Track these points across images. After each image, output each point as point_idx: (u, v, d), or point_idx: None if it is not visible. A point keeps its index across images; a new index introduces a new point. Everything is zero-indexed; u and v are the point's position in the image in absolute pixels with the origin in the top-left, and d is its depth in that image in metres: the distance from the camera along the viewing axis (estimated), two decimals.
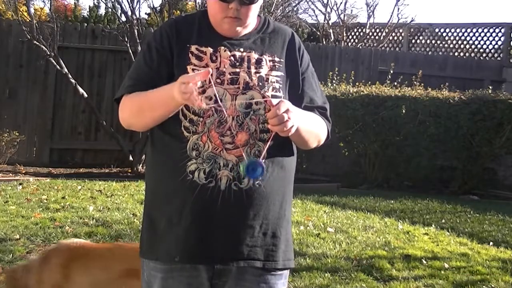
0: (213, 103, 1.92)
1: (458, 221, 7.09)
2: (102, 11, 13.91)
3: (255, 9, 2.01)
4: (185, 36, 2.01)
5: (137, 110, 2.00)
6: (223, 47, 2.00)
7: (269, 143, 1.93)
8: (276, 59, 2.04)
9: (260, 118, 1.96)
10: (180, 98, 1.83)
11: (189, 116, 1.95)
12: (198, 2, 10.56)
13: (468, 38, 14.72)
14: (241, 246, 1.95)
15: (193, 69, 1.96)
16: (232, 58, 1.99)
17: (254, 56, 2.01)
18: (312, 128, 2.04)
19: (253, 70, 1.99)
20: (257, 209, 1.95)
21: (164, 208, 1.98)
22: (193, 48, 2.00)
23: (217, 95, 1.90)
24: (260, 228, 1.97)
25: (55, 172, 9.22)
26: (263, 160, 1.89)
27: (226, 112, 1.92)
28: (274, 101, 1.85)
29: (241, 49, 2.01)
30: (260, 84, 1.98)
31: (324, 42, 14.96)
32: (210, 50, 1.99)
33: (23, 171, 9.06)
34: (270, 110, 1.85)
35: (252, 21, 2.04)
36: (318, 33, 15.70)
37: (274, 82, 2.00)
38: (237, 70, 1.98)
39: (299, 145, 2.07)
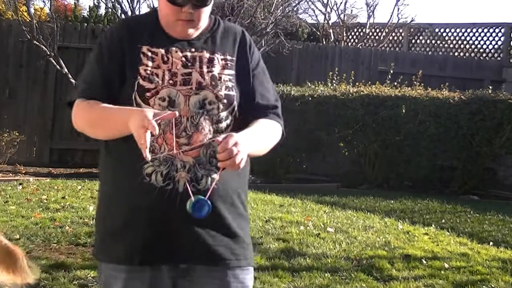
0: (166, 105, 1.92)
1: (458, 221, 7.09)
2: (102, 11, 13.90)
3: (207, 10, 2.00)
4: (136, 37, 2.00)
5: (91, 124, 2.00)
6: (174, 48, 1.99)
7: (218, 177, 1.89)
8: (228, 57, 2.03)
9: (214, 118, 1.96)
10: (134, 133, 1.81)
11: None
12: None
13: (468, 38, 14.72)
14: (203, 246, 1.94)
15: (145, 70, 1.95)
16: (183, 58, 1.98)
17: (206, 55, 2.01)
18: (264, 145, 2.03)
19: (205, 69, 1.98)
20: (217, 209, 1.94)
21: (120, 211, 1.96)
22: (145, 48, 1.98)
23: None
24: (220, 227, 1.96)
25: (55, 172, 9.23)
26: (208, 200, 1.85)
27: (179, 113, 1.90)
28: (220, 137, 1.82)
29: (193, 49, 2.00)
30: (213, 83, 1.97)
31: (324, 42, 14.96)
32: (161, 51, 1.98)
33: (23, 171, 9.06)
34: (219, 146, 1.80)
35: (204, 23, 2.03)
36: (318, 33, 15.69)
37: (226, 81, 2.00)
38: (190, 70, 1.97)
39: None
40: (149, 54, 1.98)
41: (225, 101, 1.97)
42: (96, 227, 2.09)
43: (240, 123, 2.00)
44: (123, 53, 1.98)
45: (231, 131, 1.94)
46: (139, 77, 1.95)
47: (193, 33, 2.02)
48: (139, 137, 1.77)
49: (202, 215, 1.84)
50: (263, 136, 2.02)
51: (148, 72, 1.95)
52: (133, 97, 1.94)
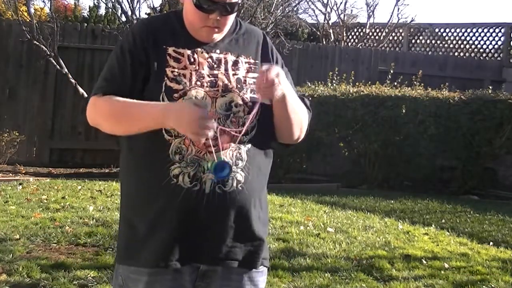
0: None
1: (458, 221, 7.09)
2: (102, 11, 13.91)
3: (232, 17, 2.01)
4: (161, 38, 1.99)
5: (110, 118, 1.96)
6: (200, 49, 1.99)
7: (253, 114, 1.92)
8: (252, 60, 2.04)
9: (240, 121, 1.96)
10: (189, 132, 1.83)
11: None
12: None
13: (468, 38, 14.73)
14: (226, 247, 1.95)
15: (172, 71, 1.95)
16: (209, 60, 1.98)
17: (231, 58, 2.01)
18: (297, 108, 2.02)
19: (230, 72, 1.99)
20: (240, 211, 1.96)
21: (146, 212, 1.95)
22: (170, 50, 1.98)
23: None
24: (243, 229, 1.97)
25: (55, 172, 9.23)
26: (230, 160, 1.88)
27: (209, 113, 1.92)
28: (264, 67, 1.87)
29: (218, 51, 2.01)
30: (239, 86, 1.97)
31: (324, 42, 14.96)
32: (187, 51, 1.98)
33: (23, 171, 9.06)
34: (258, 76, 1.87)
35: (228, 28, 2.04)
36: (318, 33, 15.70)
37: (251, 84, 2.00)
38: (215, 72, 1.98)
39: (282, 130, 2.03)
40: (175, 55, 1.97)
41: (250, 104, 1.98)
42: (120, 230, 2.06)
43: (264, 126, 2.00)
44: (147, 55, 1.97)
45: (256, 134, 1.97)
46: (166, 78, 1.94)
47: (217, 38, 2.02)
48: (203, 134, 1.82)
49: (223, 175, 1.86)
50: (297, 99, 2.03)
51: (175, 73, 1.95)
52: (161, 97, 1.93)
